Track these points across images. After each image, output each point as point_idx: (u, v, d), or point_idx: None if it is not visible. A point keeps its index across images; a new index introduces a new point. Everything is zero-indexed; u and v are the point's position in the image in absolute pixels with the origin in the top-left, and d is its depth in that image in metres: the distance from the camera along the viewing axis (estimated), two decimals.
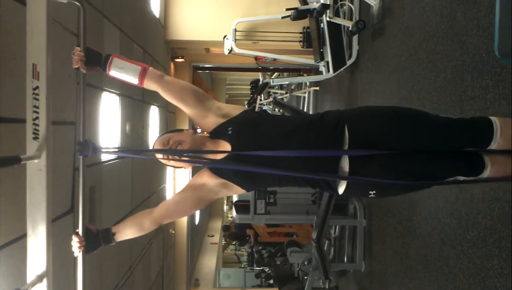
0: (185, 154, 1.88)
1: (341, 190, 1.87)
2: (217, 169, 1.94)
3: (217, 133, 1.96)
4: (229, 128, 1.91)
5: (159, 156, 1.92)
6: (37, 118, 1.93)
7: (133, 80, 1.93)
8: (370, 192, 1.85)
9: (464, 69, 3.21)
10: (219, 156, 1.90)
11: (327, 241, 6.65)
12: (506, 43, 1.68)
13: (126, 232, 2.04)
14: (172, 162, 1.93)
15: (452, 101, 3.35)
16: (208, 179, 1.96)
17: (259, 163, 1.82)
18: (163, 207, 2.02)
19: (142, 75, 1.91)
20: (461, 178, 1.87)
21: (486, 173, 1.84)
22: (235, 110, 1.99)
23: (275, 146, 1.81)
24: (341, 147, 1.79)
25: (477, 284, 2.88)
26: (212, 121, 1.97)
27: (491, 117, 1.86)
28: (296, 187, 1.96)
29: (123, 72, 1.92)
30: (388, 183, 1.77)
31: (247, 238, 12.19)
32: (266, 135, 1.87)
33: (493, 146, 1.83)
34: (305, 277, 6.35)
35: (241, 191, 2.00)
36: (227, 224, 15.25)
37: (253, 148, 1.83)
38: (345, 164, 1.78)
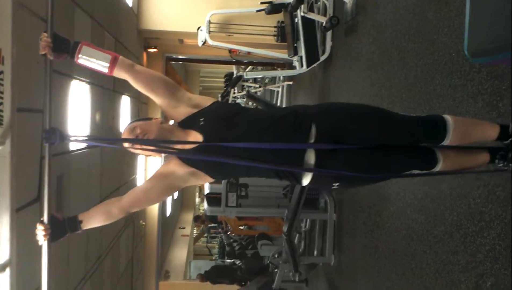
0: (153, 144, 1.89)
1: (305, 181, 1.95)
2: (186, 157, 1.95)
3: (187, 123, 1.97)
4: (201, 119, 1.93)
5: (127, 144, 1.92)
6: (1, 103, 1.87)
7: (103, 68, 1.90)
8: (334, 184, 1.96)
9: (434, 68, 3.26)
10: (188, 146, 1.92)
11: (297, 235, 6.69)
12: (475, 43, 1.70)
13: (93, 220, 2.01)
14: (139, 150, 1.95)
15: (422, 99, 3.40)
16: (176, 168, 1.97)
17: (229, 154, 1.84)
18: (132, 195, 2.01)
19: (112, 64, 1.89)
20: (416, 171, 2.03)
21: (438, 167, 2.00)
22: (206, 101, 2.01)
23: (248, 138, 1.85)
24: (308, 140, 1.86)
25: (443, 279, 2.94)
26: (183, 111, 1.98)
27: (444, 116, 2.01)
28: (264, 177, 2.01)
29: (92, 60, 1.89)
30: (351, 176, 1.87)
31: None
32: (239, 126, 1.90)
33: (446, 142, 1.98)
34: (275, 270, 6.38)
35: (209, 179, 2.03)
36: (198, 215, 15.16)
37: (225, 139, 1.85)
38: (311, 157, 1.86)
